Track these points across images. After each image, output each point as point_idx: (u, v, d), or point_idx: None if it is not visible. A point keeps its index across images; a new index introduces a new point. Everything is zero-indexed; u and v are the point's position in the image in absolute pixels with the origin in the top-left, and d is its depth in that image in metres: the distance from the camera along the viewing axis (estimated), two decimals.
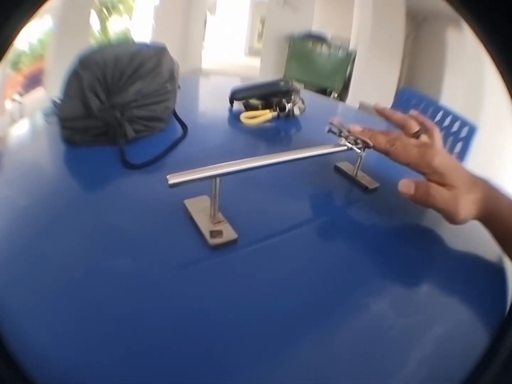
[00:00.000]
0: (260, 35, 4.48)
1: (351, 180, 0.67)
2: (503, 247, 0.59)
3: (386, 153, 0.63)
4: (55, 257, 0.49)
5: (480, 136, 1.32)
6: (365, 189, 0.66)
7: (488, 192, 0.60)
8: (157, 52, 0.78)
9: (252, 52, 4.55)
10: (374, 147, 0.64)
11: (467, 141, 1.32)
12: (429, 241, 0.61)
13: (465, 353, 0.36)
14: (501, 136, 1.83)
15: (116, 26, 3.12)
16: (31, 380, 0.33)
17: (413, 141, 0.64)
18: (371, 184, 0.66)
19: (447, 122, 1.39)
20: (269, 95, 0.88)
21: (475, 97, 2.25)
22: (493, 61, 0.28)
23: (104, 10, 2.91)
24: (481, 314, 0.46)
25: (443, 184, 0.59)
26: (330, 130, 0.67)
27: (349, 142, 0.66)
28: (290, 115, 0.86)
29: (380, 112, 0.76)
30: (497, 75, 0.28)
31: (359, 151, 0.65)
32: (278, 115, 0.86)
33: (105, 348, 0.38)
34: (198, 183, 0.49)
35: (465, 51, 2.55)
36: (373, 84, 2.87)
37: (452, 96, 2.62)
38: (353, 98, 3.06)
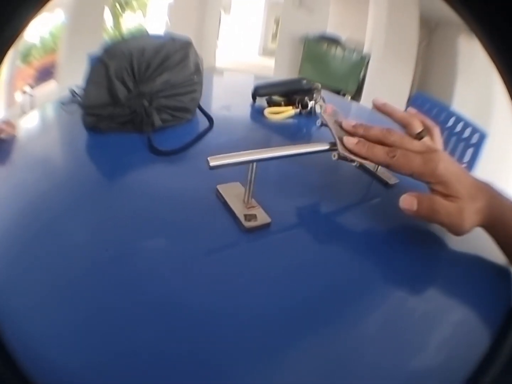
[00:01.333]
0: (274, 36, 4.50)
1: (372, 175, 0.70)
2: (505, 253, 0.57)
3: (387, 166, 0.59)
4: (81, 241, 0.51)
5: (490, 143, 1.34)
6: (385, 184, 0.68)
7: (492, 198, 0.58)
8: (183, 46, 0.80)
9: (266, 52, 4.57)
10: (372, 162, 0.59)
11: (477, 148, 1.34)
12: (439, 238, 0.61)
13: (468, 353, 0.36)
14: (510, 143, 1.84)
15: (130, 22, 3.14)
16: (31, 380, 0.32)
17: (415, 145, 0.59)
18: (391, 179, 0.68)
19: (458, 128, 1.42)
20: (291, 92, 0.90)
21: (485, 104, 2.27)
22: (494, 63, 0.29)
23: (118, 6, 2.93)
24: (484, 313, 0.47)
25: (447, 195, 0.56)
26: (322, 125, 0.63)
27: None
28: (311, 112, 0.89)
29: (380, 108, 0.72)
30: (499, 77, 0.29)
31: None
32: (300, 112, 0.88)
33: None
34: (228, 170, 0.51)
35: (476, 58, 2.57)
36: (387, 88, 2.89)
37: (463, 103, 2.64)
38: (367, 100, 3.07)
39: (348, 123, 0.63)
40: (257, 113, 0.89)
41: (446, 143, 1.34)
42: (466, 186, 0.57)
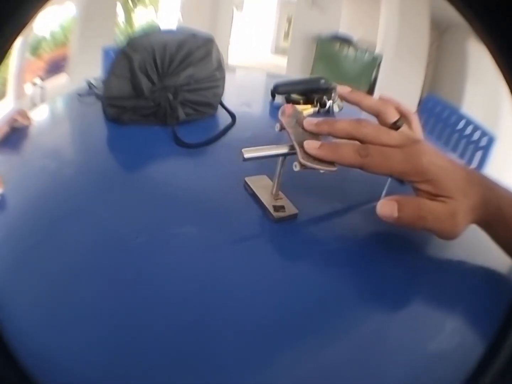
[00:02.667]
0: (287, 34, 4.51)
1: None
2: (506, 251, 0.52)
3: (360, 167, 0.50)
4: (108, 228, 0.53)
5: (498, 146, 1.35)
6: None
7: (487, 191, 0.51)
8: (206, 42, 0.83)
9: (278, 50, 4.57)
10: (343, 165, 0.51)
11: (486, 151, 1.36)
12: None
13: (464, 358, 0.37)
14: None
15: (142, 17, 3.14)
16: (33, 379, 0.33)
17: (392, 137, 0.50)
18: None
19: (468, 131, 1.43)
20: (310, 91, 0.93)
21: (493, 106, 2.28)
22: (495, 62, 0.29)
23: (130, 1, 2.94)
24: (480, 316, 0.47)
25: (435, 195, 0.48)
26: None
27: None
28: (329, 111, 0.91)
29: (347, 97, 0.63)
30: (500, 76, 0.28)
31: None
32: (319, 111, 0.91)
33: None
34: (252, 164, 0.53)
35: (485, 60, 2.56)
36: (398, 89, 2.90)
37: (472, 105, 2.64)
38: None
39: (310, 122, 0.55)
40: (276, 111, 0.90)
41: (456, 146, 1.37)
42: (457, 181, 0.49)
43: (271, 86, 0.97)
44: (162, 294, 0.43)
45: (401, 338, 0.43)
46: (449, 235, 0.50)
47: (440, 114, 1.53)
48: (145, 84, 0.76)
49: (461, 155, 1.37)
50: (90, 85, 0.91)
